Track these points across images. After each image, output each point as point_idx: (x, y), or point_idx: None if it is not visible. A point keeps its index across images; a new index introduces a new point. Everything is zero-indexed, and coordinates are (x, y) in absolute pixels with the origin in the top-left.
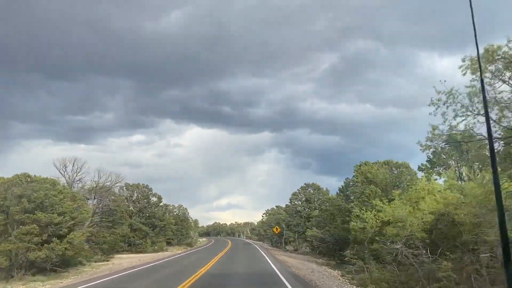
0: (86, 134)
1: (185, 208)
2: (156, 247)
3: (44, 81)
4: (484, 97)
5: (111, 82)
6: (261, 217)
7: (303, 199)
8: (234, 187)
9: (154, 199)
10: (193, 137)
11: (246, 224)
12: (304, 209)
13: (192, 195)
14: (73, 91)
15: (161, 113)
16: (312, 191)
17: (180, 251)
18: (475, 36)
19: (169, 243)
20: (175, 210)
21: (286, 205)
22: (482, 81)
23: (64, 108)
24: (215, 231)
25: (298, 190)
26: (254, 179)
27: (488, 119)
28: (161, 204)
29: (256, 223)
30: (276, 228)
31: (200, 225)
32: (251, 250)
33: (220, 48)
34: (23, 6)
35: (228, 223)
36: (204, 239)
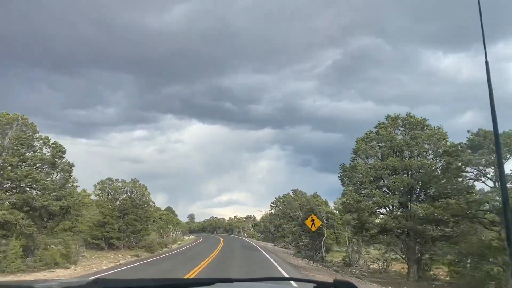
0: (87, 128)
1: (143, 186)
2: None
3: (46, 75)
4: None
5: (113, 77)
6: (270, 207)
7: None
8: (235, 183)
9: (47, 150)
10: (194, 133)
11: (248, 218)
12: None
13: (192, 192)
14: (74, 86)
15: (163, 109)
16: None
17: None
18: (483, 36)
19: (111, 246)
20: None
21: None
22: (489, 80)
23: (66, 102)
24: (211, 226)
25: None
26: (255, 176)
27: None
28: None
29: (261, 216)
30: (313, 220)
31: (196, 221)
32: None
33: (223, 44)
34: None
35: (226, 218)
36: (192, 236)
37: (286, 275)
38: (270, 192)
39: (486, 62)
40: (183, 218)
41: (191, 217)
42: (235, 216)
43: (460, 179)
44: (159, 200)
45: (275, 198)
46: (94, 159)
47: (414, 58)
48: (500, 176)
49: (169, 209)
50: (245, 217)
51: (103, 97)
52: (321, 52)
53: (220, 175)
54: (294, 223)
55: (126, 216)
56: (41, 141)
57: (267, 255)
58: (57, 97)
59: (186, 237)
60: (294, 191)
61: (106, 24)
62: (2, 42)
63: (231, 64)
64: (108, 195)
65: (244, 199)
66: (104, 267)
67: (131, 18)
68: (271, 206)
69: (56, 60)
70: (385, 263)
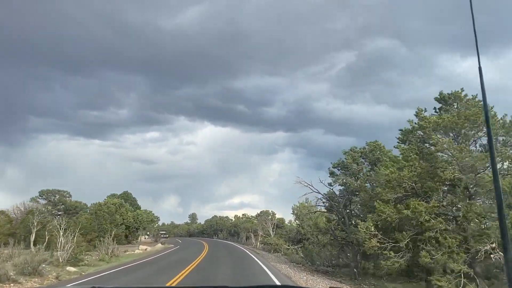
0: (100, 129)
1: None
2: None
3: (60, 76)
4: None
5: (126, 78)
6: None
7: None
8: (247, 186)
9: None
10: (206, 135)
11: (262, 216)
12: None
13: (204, 193)
14: (88, 86)
15: (175, 110)
16: None
17: None
18: (476, 42)
19: None
20: None
21: None
22: (482, 86)
23: (79, 103)
24: (212, 229)
25: None
26: (267, 178)
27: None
28: None
29: (296, 214)
30: None
31: (197, 222)
32: None
33: (235, 46)
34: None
35: (232, 217)
36: (159, 245)
37: None
38: (282, 195)
39: (480, 68)
40: (183, 219)
41: (193, 217)
42: (243, 215)
43: None
44: (171, 202)
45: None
46: (107, 160)
47: (430, 61)
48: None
49: (125, 195)
50: (257, 215)
51: (116, 98)
52: (335, 54)
53: (232, 177)
54: None
55: None
56: None
57: None
58: (71, 98)
59: (141, 249)
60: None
61: (120, 26)
62: (17, 43)
63: (244, 66)
64: None
65: (256, 202)
66: None
67: (144, 19)
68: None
69: (69, 61)
70: None
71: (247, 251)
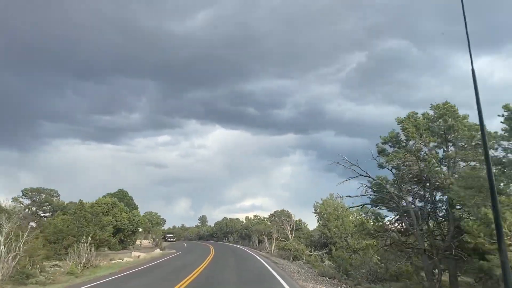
0: (112, 134)
1: None
2: None
3: (72, 81)
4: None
5: (137, 83)
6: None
7: None
8: (258, 189)
9: None
10: (217, 138)
11: (277, 217)
12: None
13: (215, 196)
14: (99, 91)
15: (186, 114)
16: None
17: None
18: (469, 44)
19: None
20: None
21: None
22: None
23: (91, 108)
24: (222, 232)
25: None
26: (278, 181)
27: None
28: None
29: (318, 213)
30: None
31: (208, 224)
32: None
33: (246, 49)
34: (51, 6)
35: (243, 218)
36: (169, 250)
37: None
38: (293, 197)
39: (473, 70)
40: (194, 222)
41: (202, 219)
42: (255, 216)
43: None
44: (183, 205)
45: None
46: (120, 164)
47: (442, 60)
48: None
49: (120, 194)
50: (271, 215)
51: (127, 103)
52: (345, 55)
53: (243, 180)
54: None
55: None
56: None
57: None
58: (83, 103)
59: (133, 256)
60: None
61: (131, 31)
62: (29, 49)
63: (254, 69)
64: None
65: (267, 205)
66: None
67: (155, 24)
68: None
69: (81, 66)
70: None
71: (262, 260)
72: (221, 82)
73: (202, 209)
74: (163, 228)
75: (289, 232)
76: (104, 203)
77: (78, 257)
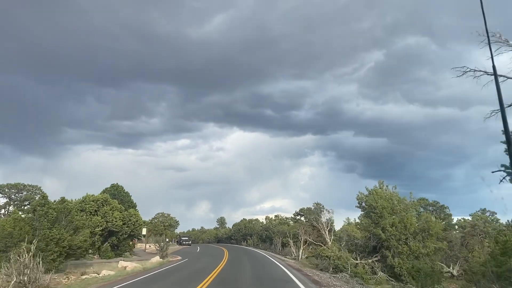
0: (133, 138)
1: None
2: None
3: (93, 88)
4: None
5: (156, 88)
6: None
7: None
8: (278, 190)
9: None
10: (235, 140)
11: (303, 215)
12: None
13: (235, 199)
14: (119, 97)
15: (205, 117)
16: None
17: None
18: (489, 42)
19: None
20: None
21: None
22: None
23: (112, 114)
24: (240, 233)
25: None
26: (297, 182)
27: None
28: None
29: (364, 207)
30: None
31: (226, 226)
32: None
33: (262, 51)
34: (72, 15)
35: (263, 219)
36: (174, 257)
37: None
38: (314, 198)
39: (493, 66)
40: (213, 224)
41: (221, 221)
42: (276, 216)
43: None
44: (203, 207)
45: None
46: (141, 168)
47: (463, 56)
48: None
49: (113, 189)
50: (296, 214)
51: (147, 108)
52: (363, 54)
53: (262, 182)
54: None
55: None
56: None
57: None
58: (103, 109)
59: (120, 266)
60: None
61: (149, 37)
62: (51, 57)
63: (271, 71)
64: None
65: (287, 206)
66: None
67: (172, 29)
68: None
69: (101, 73)
70: None
71: (292, 275)
72: (238, 84)
73: (222, 211)
74: (176, 230)
75: (327, 233)
76: (93, 201)
77: (20, 274)
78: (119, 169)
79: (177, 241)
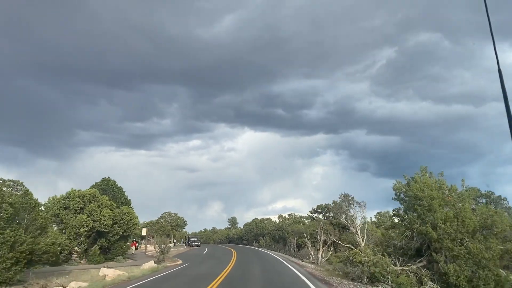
0: (145, 140)
1: None
2: None
3: (104, 90)
4: None
5: (167, 89)
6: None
7: None
8: (290, 190)
9: None
10: (246, 140)
11: (321, 212)
12: None
13: (247, 199)
14: (131, 99)
15: (216, 118)
16: None
17: None
18: (493, 42)
19: None
20: None
21: None
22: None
23: (124, 115)
24: (251, 234)
25: None
26: (310, 182)
27: None
28: None
29: (402, 198)
30: None
31: (237, 226)
32: None
33: (272, 51)
34: (82, 18)
35: (275, 218)
36: (174, 261)
37: None
38: (327, 198)
39: (499, 70)
40: (223, 224)
41: (232, 221)
42: (289, 215)
43: None
44: (215, 208)
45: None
46: (153, 170)
47: (476, 52)
48: None
49: (104, 184)
50: (313, 211)
51: (158, 109)
52: (374, 51)
53: (274, 182)
54: None
55: None
56: None
57: None
58: (115, 111)
59: (102, 273)
60: None
61: (159, 38)
62: (63, 60)
63: (281, 70)
64: None
65: (299, 206)
66: None
67: (182, 31)
68: None
69: (113, 75)
70: None
71: None
72: (249, 84)
73: (233, 212)
74: (186, 230)
75: (358, 232)
76: (79, 197)
77: None
78: (132, 170)
79: (185, 242)
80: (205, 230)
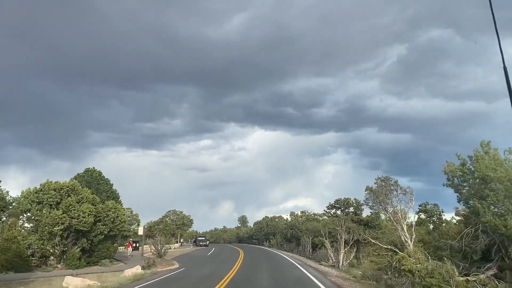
0: (156, 140)
1: None
2: None
3: (115, 91)
4: None
5: (177, 90)
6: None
7: None
8: (301, 189)
9: None
10: (257, 140)
11: (339, 206)
12: None
13: (258, 198)
14: (142, 100)
15: (226, 117)
16: None
17: None
18: (498, 39)
19: None
20: None
21: None
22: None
23: (135, 116)
24: (262, 233)
25: None
26: (321, 181)
27: None
28: None
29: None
30: None
31: (248, 225)
32: None
33: (282, 49)
34: (93, 21)
35: (287, 216)
36: (170, 266)
37: None
38: (337, 197)
39: (505, 68)
40: (234, 224)
41: (242, 220)
42: (302, 213)
43: None
44: (226, 207)
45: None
46: (165, 169)
47: (489, 48)
48: None
49: (87, 174)
50: (330, 207)
51: (169, 110)
52: (385, 49)
53: (285, 181)
54: None
55: None
56: None
57: None
58: (127, 112)
59: (68, 283)
60: None
61: (169, 39)
62: (75, 62)
63: (291, 69)
64: None
65: (310, 205)
66: None
67: (192, 31)
68: None
69: (124, 77)
70: None
71: None
72: (258, 83)
73: (244, 211)
74: (192, 229)
75: (405, 229)
76: (54, 189)
77: None
78: (143, 170)
79: (193, 242)
80: (215, 229)
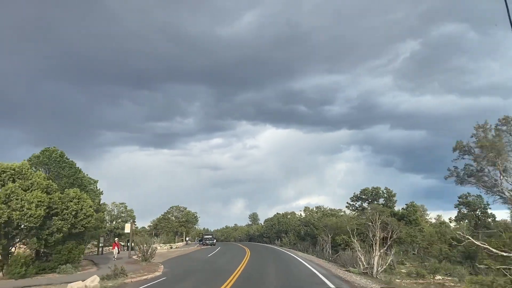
0: (169, 139)
1: None
2: None
3: (127, 91)
4: None
5: (189, 89)
6: None
7: None
8: (313, 187)
9: None
10: (268, 138)
11: (369, 197)
12: None
13: (270, 197)
14: (154, 99)
15: (237, 116)
16: None
17: None
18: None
19: None
20: None
21: None
22: None
23: (148, 115)
24: (273, 230)
25: None
26: (333, 178)
27: None
28: None
29: None
30: None
31: (258, 222)
32: None
33: (293, 47)
34: (105, 21)
35: (301, 212)
36: (153, 272)
37: None
38: (350, 194)
39: None
40: (245, 221)
41: (253, 217)
42: (317, 208)
43: None
44: (238, 205)
45: None
46: (177, 168)
47: (504, 42)
48: None
49: (47, 154)
50: (356, 198)
51: (181, 109)
52: (397, 44)
53: (297, 179)
54: None
55: None
56: None
57: None
58: (139, 111)
59: None
60: None
61: (180, 38)
62: (88, 63)
63: (302, 67)
64: None
65: (323, 203)
66: None
67: (203, 30)
68: None
69: (136, 76)
70: None
71: None
72: (270, 81)
73: (257, 209)
74: (199, 227)
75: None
76: None
77: None
78: (156, 169)
79: (199, 240)
80: (226, 227)
